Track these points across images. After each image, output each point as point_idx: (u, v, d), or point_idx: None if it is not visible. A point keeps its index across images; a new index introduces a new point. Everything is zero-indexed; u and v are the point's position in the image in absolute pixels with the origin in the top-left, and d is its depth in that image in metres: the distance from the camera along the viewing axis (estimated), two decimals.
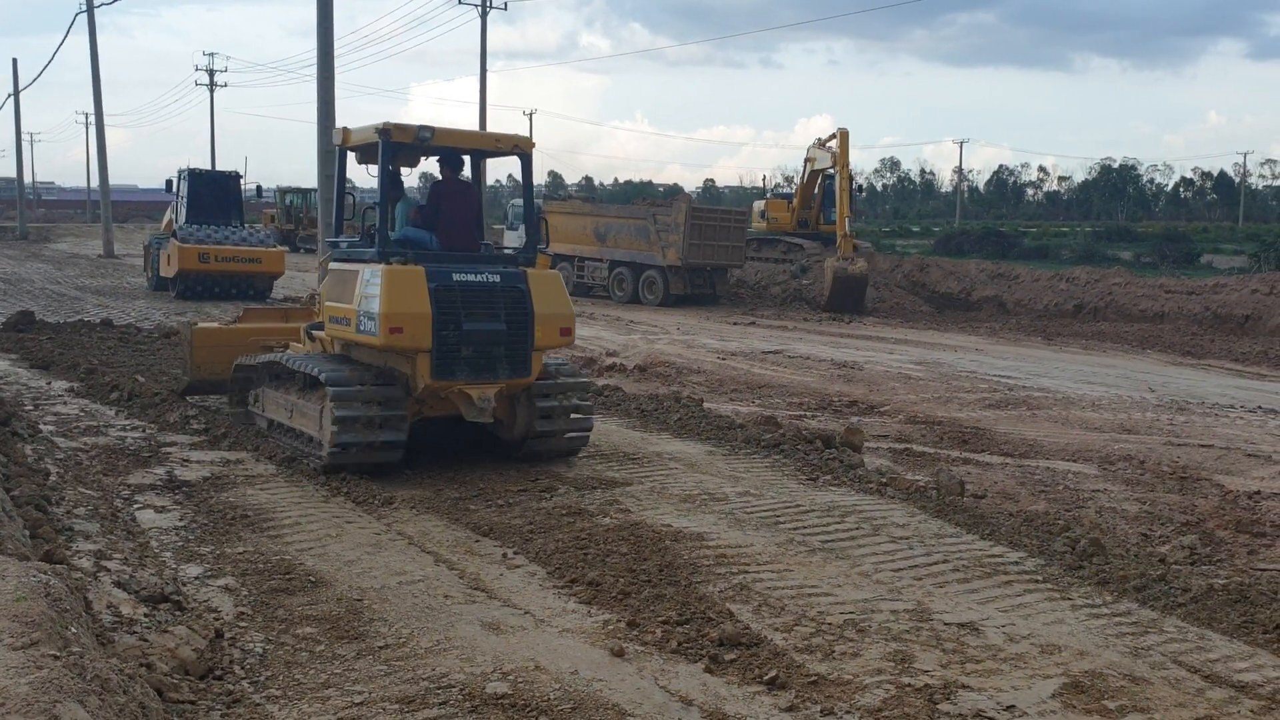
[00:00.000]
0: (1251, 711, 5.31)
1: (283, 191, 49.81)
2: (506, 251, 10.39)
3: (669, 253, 28.67)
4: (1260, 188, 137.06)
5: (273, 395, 10.35)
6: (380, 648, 5.71)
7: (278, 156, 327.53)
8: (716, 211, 30.96)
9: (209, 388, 12.06)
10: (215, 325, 12.44)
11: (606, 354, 18.36)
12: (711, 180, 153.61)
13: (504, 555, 7.24)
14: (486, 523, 7.92)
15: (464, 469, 9.54)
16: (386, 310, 8.63)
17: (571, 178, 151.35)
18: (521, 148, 9.87)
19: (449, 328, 8.82)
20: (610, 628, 6.01)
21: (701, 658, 5.64)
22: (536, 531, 7.67)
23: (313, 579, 6.71)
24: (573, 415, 9.80)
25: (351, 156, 10.20)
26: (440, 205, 9.73)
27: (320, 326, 10.05)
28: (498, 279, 9.15)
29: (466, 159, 10.28)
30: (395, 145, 9.32)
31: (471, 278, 9.05)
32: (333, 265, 9.95)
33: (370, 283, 8.87)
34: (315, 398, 9.33)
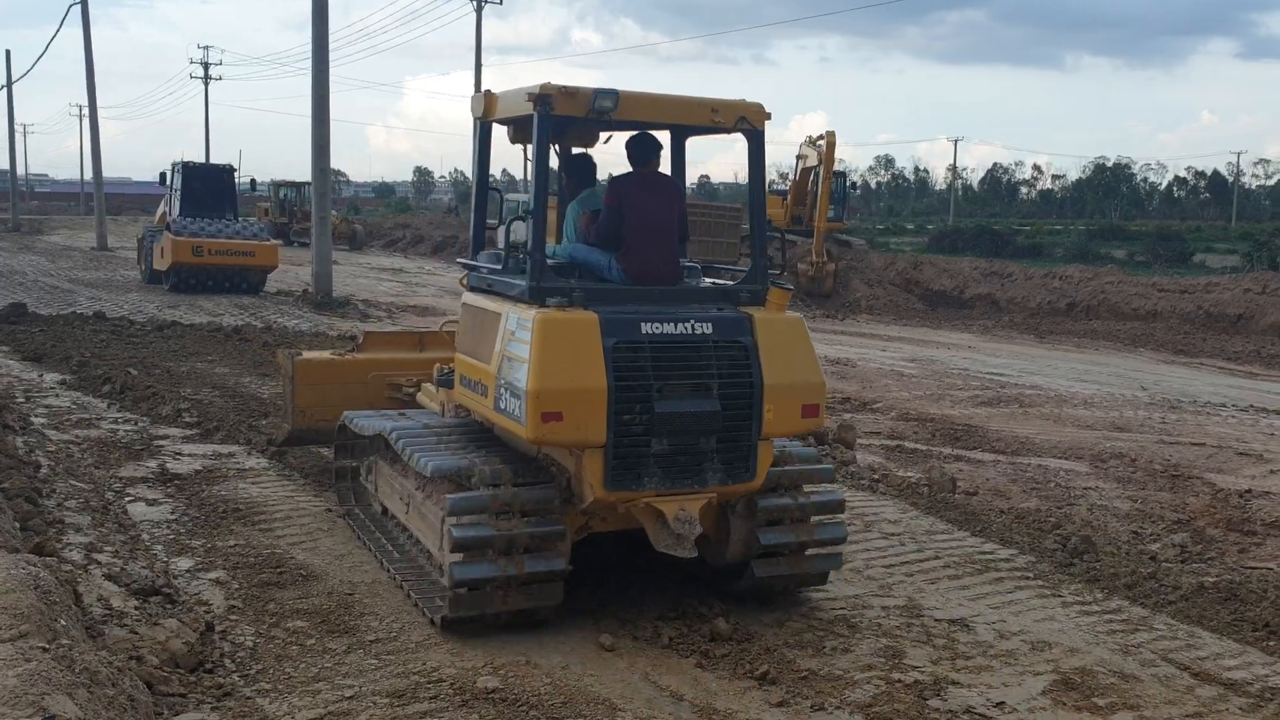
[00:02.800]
0: (1240, 709, 5.33)
1: (277, 185, 49.67)
2: (718, 284, 6.54)
3: None
4: (1253, 187, 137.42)
5: (386, 472, 7.33)
6: (371, 642, 5.71)
7: (272, 150, 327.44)
8: (711, 207, 30.99)
9: (315, 437, 8.81)
10: (326, 355, 8.79)
11: None
12: (706, 176, 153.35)
13: None
14: None
15: None
16: (538, 386, 5.46)
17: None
18: (750, 120, 6.21)
19: (634, 410, 5.59)
20: (601, 623, 6.01)
21: (693, 654, 5.65)
22: None
23: (304, 573, 6.70)
24: (814, 522, 6.47)
25: (501, 136, 6.91)
26: (625, 212, 6.25)
27: (448, 378, 7.08)
28: (709, 329, 5.83)
29: (665, 141, 6.76)
30: (557, 120, 5.94)
31: (670, 329, 5.74)
32: (467, 298, 6.73)
33: (516, 336, 5.76)
34: (434, 493, 6.28)
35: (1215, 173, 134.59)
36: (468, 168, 50.57)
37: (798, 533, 6.34)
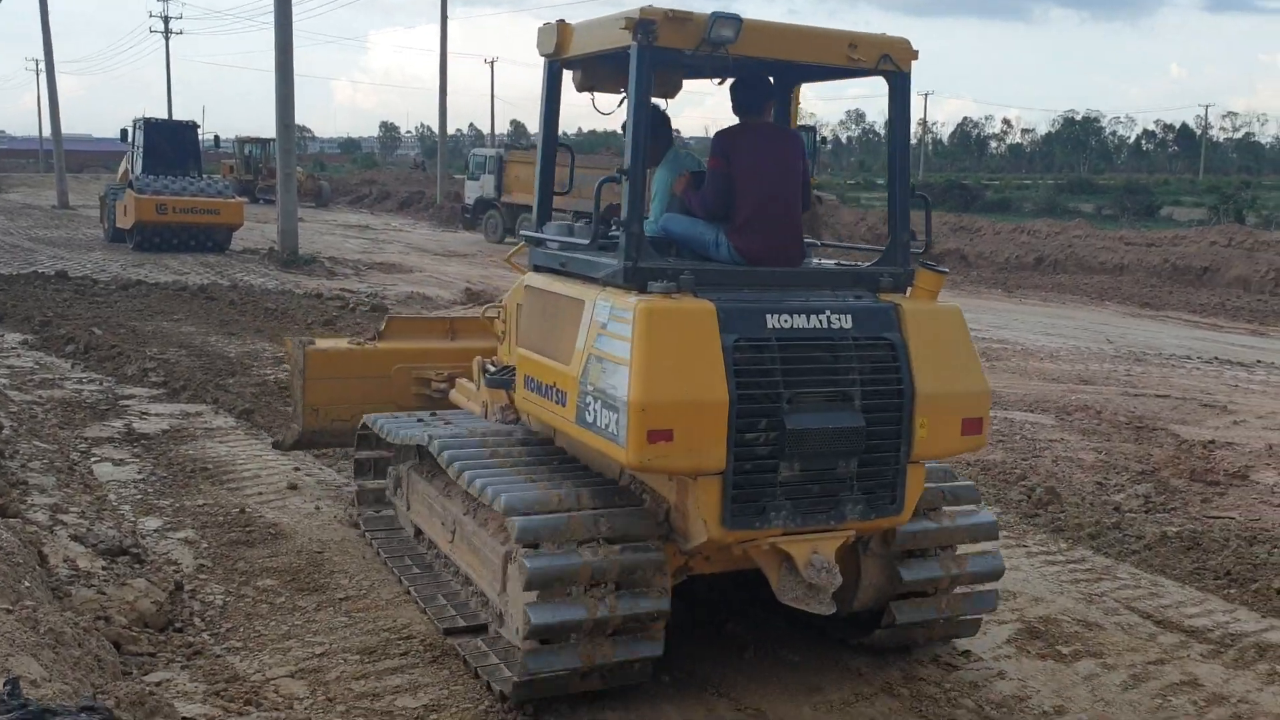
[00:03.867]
0: (1201, 655, 5.43)
1: (241, 142, 48.99)
2: (846, 266, 5.28)
3: None
4: (1221, 140, 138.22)
5: (422, 490, 6.05)
6: (341, 599, 5.71)
7: (235, 106, 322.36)
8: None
9: (329, 438, 7.56)
10: (343, 345, 7.47)
11: None
12: (678, 130, 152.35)
13: None
14: None
15: None
16: (644, 397, 4.23)
17: (535, 127, 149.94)
18: (895, 60, 4.95)
19: (760, 427, 4.40)
20: None
21: None
22: None
23: (273, 531, 6.68)
24: (963, 553, 5.27)
25: (569, 83, 5.52)
26: (736, 175, 5.03)
27: (505, 378, 5.81)
28: (848, 323, 4.63)
29: (773, 87, 5.37)
30: (661, 53, 4.61)
31: (801, 322, 4.57)
32: (533, 280, 5.41)
33: (609, 331, 4.49)
34: (493, 524, 5.04)
35: (1184, 126, 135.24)
36: (434, 122, 50.01)
37: (946, 566, 5.11)
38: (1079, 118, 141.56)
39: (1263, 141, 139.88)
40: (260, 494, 7.44)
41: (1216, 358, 15.20)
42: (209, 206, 24.93)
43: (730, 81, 5.25)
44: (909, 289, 4.94)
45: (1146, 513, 7.79)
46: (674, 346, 4.27)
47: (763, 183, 5.01)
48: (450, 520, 5.55)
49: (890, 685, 5.00)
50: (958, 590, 5.20)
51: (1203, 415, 11.20)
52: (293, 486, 7.61)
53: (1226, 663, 5.36)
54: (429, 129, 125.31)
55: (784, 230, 5.07)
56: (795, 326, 4.51)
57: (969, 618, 5.29)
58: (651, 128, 5.00)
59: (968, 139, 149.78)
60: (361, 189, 52.44)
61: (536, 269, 5.45)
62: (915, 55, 5.02)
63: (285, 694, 4.68)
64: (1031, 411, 11.12)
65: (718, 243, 5.02)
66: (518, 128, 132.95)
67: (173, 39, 70.57)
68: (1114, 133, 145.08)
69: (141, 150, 25.70)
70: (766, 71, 5.26)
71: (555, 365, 4.82)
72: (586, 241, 5.06)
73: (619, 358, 4.30)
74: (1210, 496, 8.29)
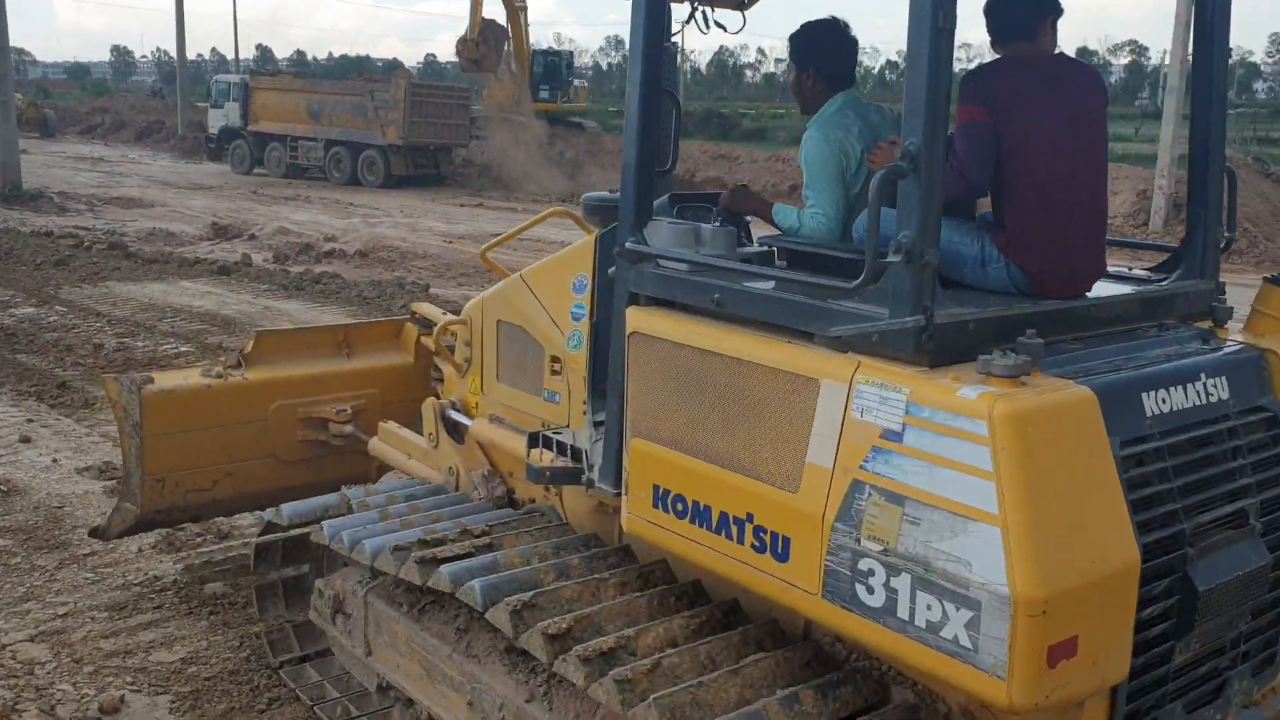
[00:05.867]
0: None
1: None
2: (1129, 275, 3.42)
3: (389, 130, 27.68)
4: (956, 70, 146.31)
5: (403, 632, 3.63)
6: (85, 555, 5.40)
7: None
8: (439, 88, 30.11)
9: (182, 516, 5.12)
10: (196, 380, 4.90)
11: (324, 239, 17.66)
12: (433, 55, 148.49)
13: None
14: None
15: (168, 364, 8.96)
16: (1044, 588, 2.21)
17: (281, 52, 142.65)
18: None
19: (1160, 592, 2.59)
20: None
21: None
22: None
23: (5, 488, 6.23)
24: None
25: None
26: (1009, 139, 2.96)
27: (567, 472, 3.50)
28: (1224, 390, 2.86)
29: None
30: None
31: (1180, 399, 2.74)
32: (640, 321, 3.11)
33: (916, 448, 2.40)
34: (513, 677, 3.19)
35: None
36: (171, 46, 46.83)
37: None
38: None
39: None
40: None
41: None
42: None
43: None
44: (1227, 316, 3.26)
45: None
46: (1064, 478, 2.36)
47: (1057, 155, 2.99)
48: (485, 699, 3.25)
49: None
50: None
51: None
52: (25, 439, 7.09)
53: None
54: (167, 54, 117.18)
55: (1089, 233, 3.09)
56: (1175, 408, 2.71)
57: None
58: (817, 55, 3.51)
59: (724, 68, 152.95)
60: (93, 118, 48.64)
61: (639, 299, 3.12)
62: None
63: (25, 659, 4.40)
64: None
65: (984, 257, 3.03)
66: (263, 52, 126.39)
67: None
68: (860, 63, 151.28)
69: None
70: None
71: (748, 484, 2.73)
72: (782, 270, 3.13)
73: (957, 504, 2.31)
74: None
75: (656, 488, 3.00)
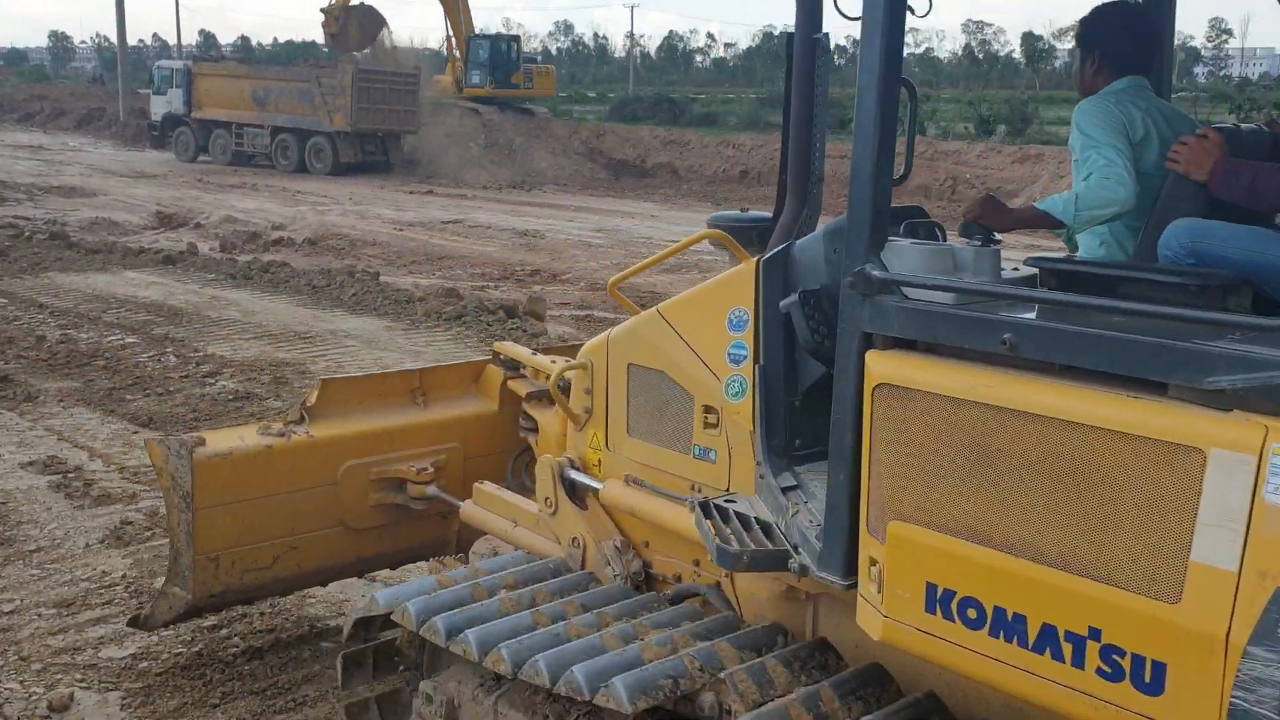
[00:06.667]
0: None
1: None
2: None
3: (336, 117, 27.39)
4: (906, 56, 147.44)
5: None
6: (32, 551, 5.31)
7: None
8: (385, 74, 29.74)
9: (238, 599, 4.37)
10: (253, 439, 4.12)
11: (272, 227, 17.44)
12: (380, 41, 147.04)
13: None
14: (146, 413, 7.43)
15: (113, 356, 8.83)
16: None
17: (225, 37, 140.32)
18: None
19: None
20: None
21: None
22: (201, 419, 7.29)
23: None
24: None
25: None
26: None
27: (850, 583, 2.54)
28: None
29: None
30: None
31: None
32: (894, 369, 2.37)
33: None
34: None
35: None
36: (111, 32, 45.93)
37: None
38: (777, 32, 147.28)
39: (940, 56, 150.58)
40: None
41: None
42: None
43: None
44: None
45: None
46: None
47: None
48: None
49: None
50: None
51: None
52: None
53: None
54: (107, 39, 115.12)
55: None
56: None
57: None
58: (1113, 34, 3.23)
59: (674, 53, 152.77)
60: (31, 105, 47.62)
61: (874, 340, 2.45)
62: None
63: None
64: None
65: None
66: (206, 38, 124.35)
67: None
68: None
69: None
70: None
71: (1089, 589, 2.09)
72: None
73: None
74: None
75: (932, 588, 2.32)
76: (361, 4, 29.75)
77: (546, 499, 3.57)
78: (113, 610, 4.74)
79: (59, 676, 4.22)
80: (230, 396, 7.77)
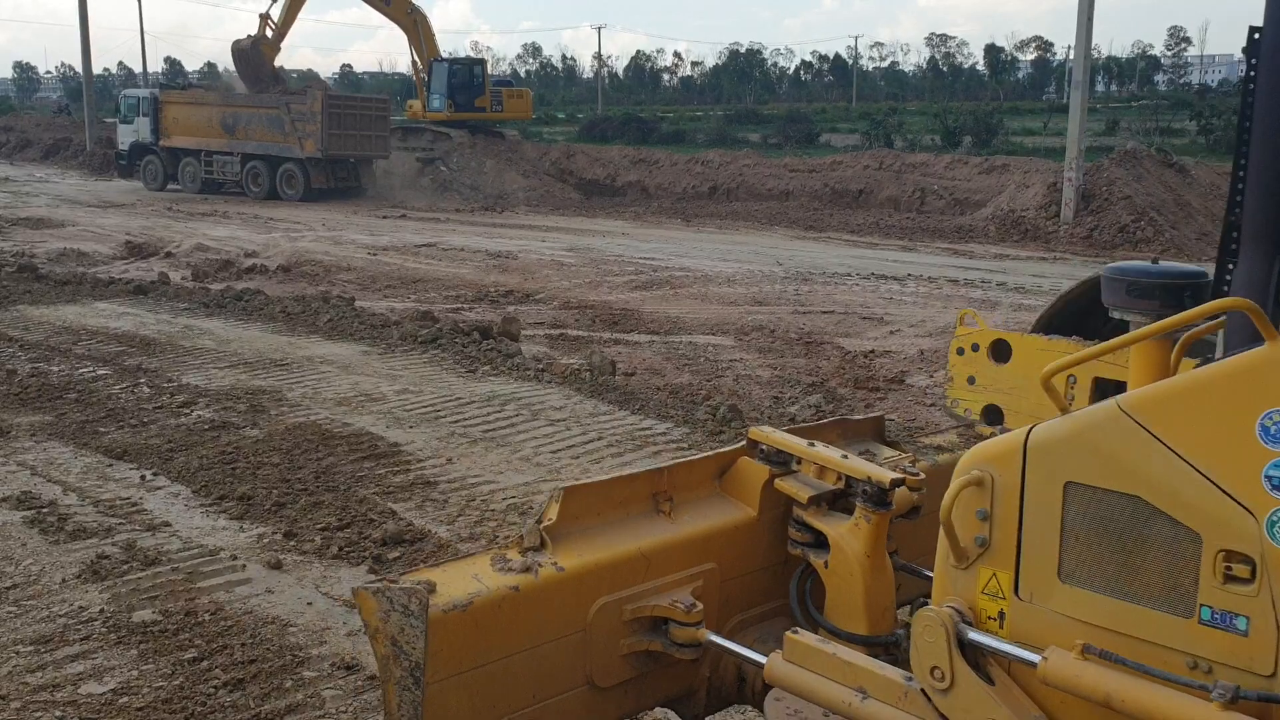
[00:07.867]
0: None
1: None
2: None
3: (307, 143, 27.37)
4: (870, 69, 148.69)
5: None
6: (8, 589, 5.24)
7: None
8: (355, 99, 29.84)
9: None
10: (490, 577, 2.70)
11: (245, 255, 17.39)
12: (349, 66, 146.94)
13: (142, 478, 6.79)
14: (120, 445, 7.38)
15: (85, 388, 8.78)
16: None
17: (191, 65, 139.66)
18: None
19: None
20: (265, 541, 5.82)
21: (365, 560, 5.60)
22: (177, 450, 7.24)
23: None
24: None
25: None
26: None
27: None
28: None
29: None
30: None
31: None
32: None
33: None
34: None
35: (837, 56, 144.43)
36: (76, 61, 45.70)
37: None
38: (743, 50, 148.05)
39: (906, 70, 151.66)
40: None
41: (873, 273, 16.54)
42: None
43: None
44: None
45: (818, 419, 8.42)
46: None
47: None
48: None
49: None
50: None
51: (863, 327, 12.18)
52: None
53: None
54: (72, 69, 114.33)
55: None
56: None
57: None
58: None
59: (642, 72, 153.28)
60: None
61: None
62: None
63: None
64: (713, 335, 11.70)
65: None
66: (172, 65, 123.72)
67: None
68: (775, 64, 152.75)
69: None
70: None
71: None
72: None
73: None
74: (872, 401, 9.06)
75: None
76: (255, 44, 30.37)
77: (935, 669, 2.43)
78: (91, 646, 4.69)
79: (39, 715, 4.18)
80: (206, 426, 7.73)
